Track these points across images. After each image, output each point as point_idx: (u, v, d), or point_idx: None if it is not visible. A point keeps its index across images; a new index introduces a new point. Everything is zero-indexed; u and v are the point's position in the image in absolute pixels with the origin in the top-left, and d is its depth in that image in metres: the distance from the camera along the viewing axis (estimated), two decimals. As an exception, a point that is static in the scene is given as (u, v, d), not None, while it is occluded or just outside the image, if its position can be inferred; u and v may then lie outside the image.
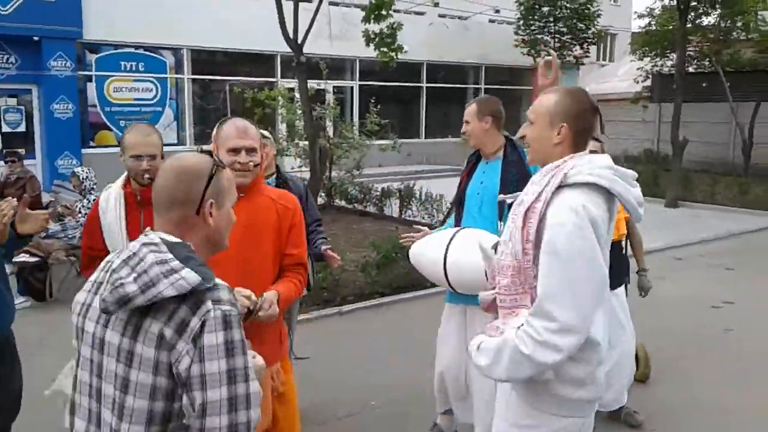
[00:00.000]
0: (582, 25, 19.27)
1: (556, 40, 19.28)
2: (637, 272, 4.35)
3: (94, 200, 6.85)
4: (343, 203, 11.92)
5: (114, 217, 2.69)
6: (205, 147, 2.43)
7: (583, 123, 2.13)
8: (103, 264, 1.67)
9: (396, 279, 6.71)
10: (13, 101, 13.98)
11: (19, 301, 6.05)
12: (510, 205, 3.25)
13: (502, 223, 3.33)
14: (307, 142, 10.43)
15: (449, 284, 3.28)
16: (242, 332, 1.52)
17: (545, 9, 19.04)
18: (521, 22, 19.57)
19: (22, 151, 10.04)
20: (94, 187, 6.95)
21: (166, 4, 14.91)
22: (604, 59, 25.84)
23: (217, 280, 1.54)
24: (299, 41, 8.97)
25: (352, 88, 19.05)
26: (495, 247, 3.07)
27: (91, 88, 14.76)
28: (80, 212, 6.90)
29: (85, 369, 1.59)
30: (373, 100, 12.33)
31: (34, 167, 13.02)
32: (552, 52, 2.88)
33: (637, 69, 17.78)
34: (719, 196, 13.04)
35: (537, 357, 1.95)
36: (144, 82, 15.37)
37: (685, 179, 13.42)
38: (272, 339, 2.56)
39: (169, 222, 1.61)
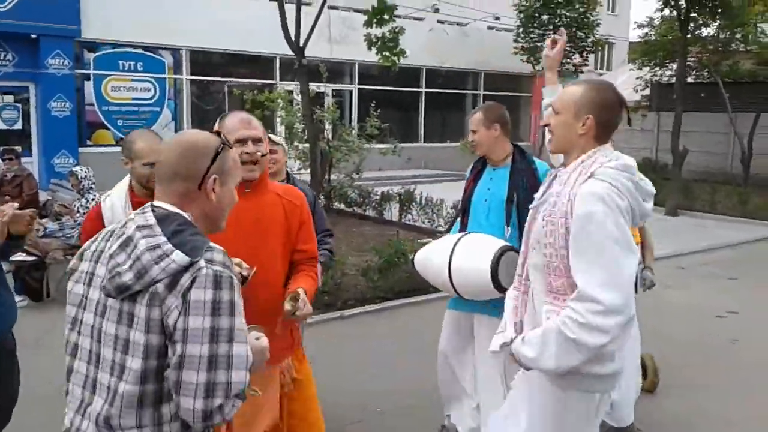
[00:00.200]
0: (581, 34, 19.30)
1: (556, 47, 19.27)
2: (642, 269, 4.28)
3: (92, 200, 6.83)
4: (342, 207, 11.86)
5: None
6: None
7: (608, 116, 2.17)
8: (103, 232, 1.69)
9: (398, 283, 6.64)
10: (9, 99, 13.87)
11: (16, 300, 5.93)
12: (518, 210, 3.24)
13: (509, 228, 3.30)
14: (306, 145, 10.38)
15: (455, 290, 3.23)
16: (234, 295, 1.52)
17: (545, 17, 19.06)
18: (521, 30, 19.59)
19: (18, 148, 9.92)
20: (93, 186, 6.86)
21: (166, 4, 14.84)
22: (601, 68, 25.92)
23: (213, 244, 1.56)
24: (301, 44, 8.92)
25: (351, 91, 19.01)
26: (504, 251, 3.04)
27: (89, 87, 14.67)
28: (78, 211, 6.81)
29: (85, 335, 1.61)
30: (373, 104, 12.29)
31: (31, 165, 12.91)
32: (563, 30, 2.92)
33: (636, 78, 17.82)
34: (719, 206, 13.04)
35: (583, 340, 1.96)
36: (142, 81, 15.28)
37: (684, 188, 13.43)
38: (282, 333, 2.50)
39: (171, 193, 1.64)
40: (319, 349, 5.06)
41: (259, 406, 2.42)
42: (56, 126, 13.84)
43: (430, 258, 3.35)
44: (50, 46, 13.62)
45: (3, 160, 8.02)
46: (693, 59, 16.29)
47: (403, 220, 10.73)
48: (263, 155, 2.44)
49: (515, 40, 19.81)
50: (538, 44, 19.32)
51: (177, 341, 1.47)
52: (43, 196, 8.73)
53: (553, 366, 2.04)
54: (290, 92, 13.44)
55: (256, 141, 2.40)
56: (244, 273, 2.18)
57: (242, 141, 2.37)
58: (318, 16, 9.07)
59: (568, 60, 19.40)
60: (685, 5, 13.41)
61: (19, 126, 13.98)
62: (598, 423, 2.28)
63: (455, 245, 3.18)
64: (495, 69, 21.55)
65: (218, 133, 1.73)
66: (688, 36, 13.99)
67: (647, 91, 18.05)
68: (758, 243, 10.53)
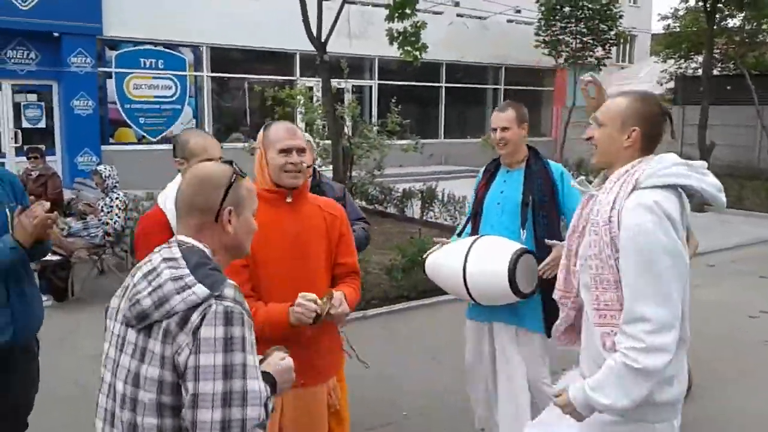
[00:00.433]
0: (604, 26, 19.02)
1: (578, 41, 19.06)
2: None
3: (116, 198, 6.84)
4: (363, 204, 11.81)
5: None
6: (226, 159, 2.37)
7: (654, 128, 2.13)
8: (133, 269, 1.71)
9: (421, 282, 6.57)
10: (33, 97, 13.98)
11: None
12: (533, 213, 3.15)
13: (524, 231, 3.21)
14: (327, 142, 10.32)
15: (470, 295, 3.12)
16: (245, 331, 1.51)
17: (567, 9, 18.81)
18: (542, 23, 19.36)
19: (43, 147, 10.00)
20: (117, 185, 6.87)
21: (186, 1, 14.86)
22: (623, 61, 25.54)
23: (228, 280, 1.57)
24: (323, 39, 8.85)
25: (370, 87, 18.93)
26: (521, 254, 2.94)
27: (111, 85, 14.73)
28: (102, 210, 6.83)
29: (108, 369, 1.63)
30: (393, 100, 12.20)
31: (54, 164, 13.00)
32: (592, 76, 2.84)
33: (661, 71, 17.55)
34: (747, 201, 12.79)
35: (649, 365, 1.91)
36: (163, 79, 15.33)
37: (711, 184, 13.17)
38: (326, 349, 2.47)
39: (189, 227, 1.67)
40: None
41: (309, 426, 2.39)
42: (79, 124, 13.93)
43: (444, 262, 3.24)
44: (72, 45, 13.70)
45: (28, 159, 8.06)
46: (718, 51, 16.00)
47: (424, 218, 10.64)
48: (308, 166, 2.43)
49: (537, 33, 19.58)
50: (560, 37, 19.11)
51: (189, 380, 1.46)
52: (67, 195, 8.78)
53: (629, 404, 1.96)
54: (310, 89, 13.40)
55: (300, 151, 2.38)
56: (318, 311, 2.17)
57: (287, 151, 2.35)
58: (339, 10, 9.00)
59: (591, 53, 19.16)
60: (711, -4, 13.17)
61: (42, 124, 14.09)
62: None
63: (470, 248, 3.08)
64: (516, 63, 21.33)
65: (230, 163, 1.74)
66: (714, 27, 13.73)
67: (671, 84, 17.76)
68: (789, 239, 10.30)
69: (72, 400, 3.92)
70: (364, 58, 18.14)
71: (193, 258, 1.58)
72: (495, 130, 3.31)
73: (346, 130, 11.56)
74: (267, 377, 1.65)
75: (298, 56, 16.93)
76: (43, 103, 14.06)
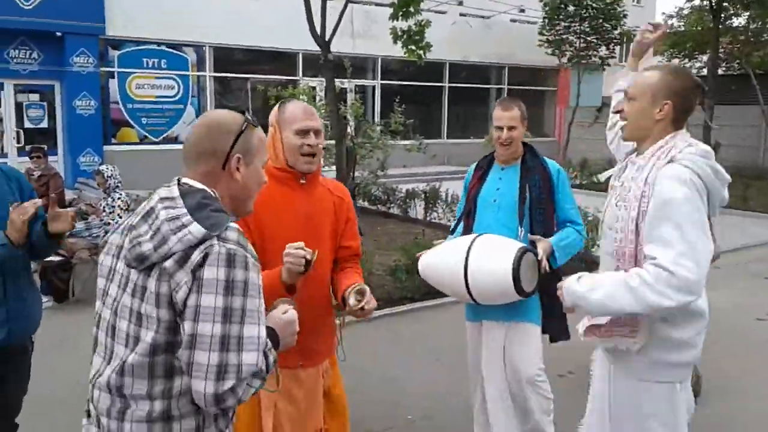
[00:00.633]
0: (608, 25, 18.95)
1: (582, 40, 18.99)
2: None
3: (118, 198, 6.79)
4: (366, 204, 11.75)
5: None
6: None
7: (686, 101, 2.15)
8: (139, 208, 1.66)
9: (425, 283, 6.48)
10: (35, 97, 13.95)
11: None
12: (530, 210, 3.11)
13: (522, 229, 3.14)
14: (330, 142, 10.27)
15: (470, 294, 2.99)
16: (249, 275, 1.48)
17: (571, 8, 18.74)
18: (546, 22, 19.29)
19: (45, 147, 9.95)
20: (119, 185, 6.83)
21: (189, 1, 14.82)
22: (625, 61, 25.46)
23: (231, 223, 1.53)
24: (326, 39, 8.80)
25: (373, 87, 18.88)
26: (524, 252, 2.89)
27: (114, 85, 14.70)
28: (104, 211, 6.79)
29: (107, 307, 1.61)
30: (397, 100, 12.15)
31: (56, 164, 12.98)
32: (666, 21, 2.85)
33: (665, 71, 17.48)
34: (752, 203, 12.70)
35: (642, 293, 1.95)
36: (166, 79, 15.29)
37: (716, 184, 13.10)
38: (325, 331, 2.46)
39: (196, 174, 1.62)
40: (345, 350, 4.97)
41: (305, 410, 2.38)
42: (81, 124, 13.90)
43: (441, 262, 3.12)
44: (75, 44, 13.67)
45: (30, 158, 8.03)
46: (723, 50, 15.93)
47: (428, 218, 10.58)
48: (323, 149, 2.41)
49: (540, 33, 19.52)
50: (564, 36, 19.04)
51: (187, 319, 1.45)
52: (69, 195, 8.75)
53: (595, 304, 2.06)
54: (313, 88, 13.34)
55: (318, 133, 2.34)
56: (308, 257, 2.12)
57: (304, 132, 2.29)
58: (343, 10, 8.95)
59: (595, 52, 19.10)
60: (717, -5, 13.10)
61: (45, 124, 14.06)
62: (686, 419, 2.28)
63: (471, 246, 2.98)
64: (519, 62, 21.27)
65: (243, 112, 1.68)
66: (719, 26, 13.67)
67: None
68: (795, 240, 10.22)
69: (73, 400, 3.87)
70: (367, 58, 18.09)
71: (193, 198, 1.54)
72: (501, 128, 3.22)
73: (349, 130, 11.50)
74: (270, 332, 1.62)
75: (300, 56, 16.88)
76: (45, 103, 14.03)
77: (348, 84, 13.81)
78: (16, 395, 2.84)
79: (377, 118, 16.71)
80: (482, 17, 20.28)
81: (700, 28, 15.99)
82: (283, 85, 13.57)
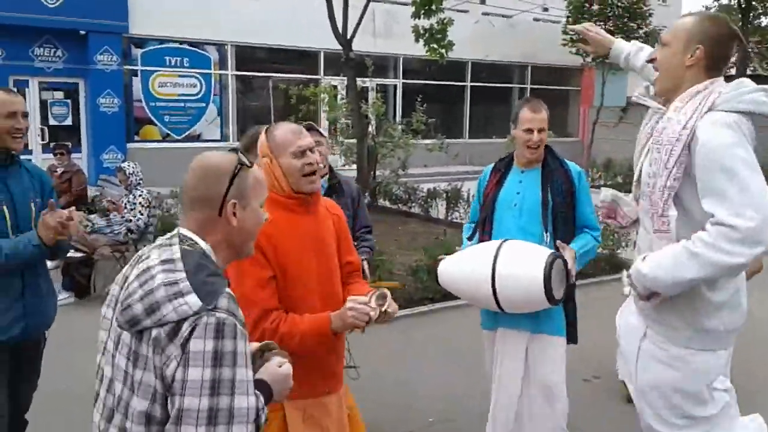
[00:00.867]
0: (633, 25, 18.68)
1: (606, 39, 18.73)
2: None
3: (140, 195, 6.80)
4: (387, 203, 11.69)
5: None
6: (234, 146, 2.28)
7: (720, 48, 2.06)
8: (134, 258, 1.63)
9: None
10: (60, 95, 14.09)
11: (63, 296, 5.95)
12: (553, 215, 3.01)
13: (548, 234, 3.02)
14: (351, 141, 10.24)
15: (496, 301, 2.87)
16: (238, 344, 1.43)
17: (595, 7, 18.50)
18: (569, 21, 19.06)
19: (69, 144, 10.03)
20: (141, 182, 6.84)
21: (211, 0, 14.88)
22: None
23: (224, 289, 1.49)
24: (348, 37, 8.76)
25: (395, 86, 18.81)
26: (554, 258, 2.79)
27: (137, 83, 14.81)
28: (126, 207, 6.80)
29: (107, 363, 1.58)
30: (419, 99, 12.08)
31: (80, 161, 13.10)
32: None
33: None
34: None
35: (706, 255, 1.88)
36: (188, 77, 15.37)
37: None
38: (341, 351, 2.42)
39: (193, 221, 1.59)
40: (364, 352, 4.91)
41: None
42: (105, 122, 14.01)
43: (465, 268, 3.00)
44: (99, 42, 13.78)
45: (54, 155, 8.10)
46: (750, 50, 15.63)
47: (449, 218, 10.49)
48: (322, 156, 2.36)
49: (564, 32, 19.30)
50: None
51: (175, 394, 1.40)
52: (91, 192, 8.80)
53: (664, 276, 1.97)
54: (335, 87, 13.33)
55: (314, 147, 2.28)
56: (372, 314, 2.11)
57: (302, 152, 2.21)
58: (365, 8, 8.91)
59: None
60: (746, -7, 12.83)
61: (69, 122, 14.20)
62: (727, 392, 2.20)
63: (498, 252, 2.86)
64: (542, 62, 21.06)
65: (235, 151, 1.63)
66: (748, 26, 13.40)
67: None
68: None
69: (89, 397, 3.86)
70: (388, 57, 18.02)
71: (192, 260, 1.49)
72: (531, 131, 3.07)
73: (370, 129, 11.46)
74: (263, 385, 1.58)
75: (322, 55, 16.87)
76: (69, 101, 14.17)
77: (369, 83, 13.76)
78: (26, 391, 2.88)
79: (398, 118, 16.65)
80: (505, 16, 20.10)
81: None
82: (305, 83, 13.56)
